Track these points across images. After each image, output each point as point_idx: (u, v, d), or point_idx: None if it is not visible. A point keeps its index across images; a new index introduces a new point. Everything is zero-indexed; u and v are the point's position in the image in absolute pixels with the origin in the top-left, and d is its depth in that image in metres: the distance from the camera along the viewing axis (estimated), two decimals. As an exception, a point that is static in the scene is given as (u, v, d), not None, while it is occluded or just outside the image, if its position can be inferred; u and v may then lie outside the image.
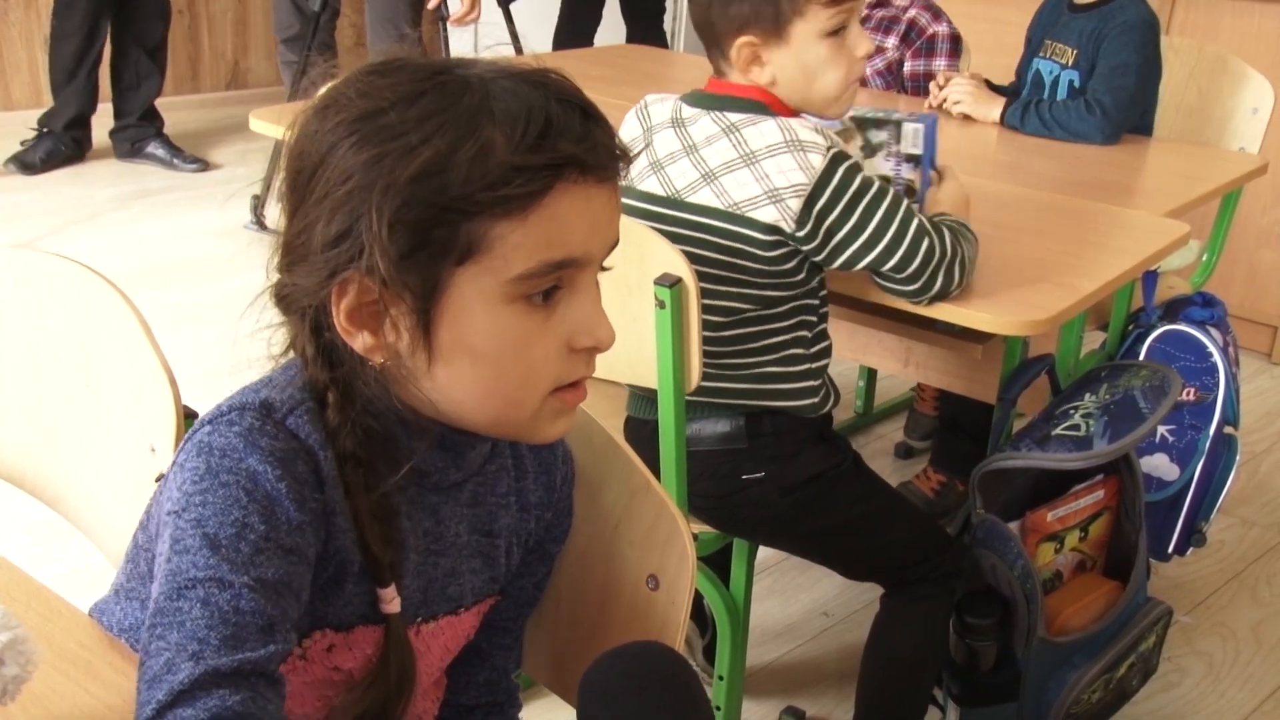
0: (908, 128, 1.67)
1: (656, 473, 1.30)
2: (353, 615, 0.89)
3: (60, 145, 4.36)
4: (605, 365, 0.90)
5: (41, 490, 1.23)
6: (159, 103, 4.54)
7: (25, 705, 0.81)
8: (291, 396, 0.85)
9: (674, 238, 1.48)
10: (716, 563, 1.77)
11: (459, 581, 0.97)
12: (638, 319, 1.46)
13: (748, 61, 1.52)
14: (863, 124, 1.69)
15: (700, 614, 1.97)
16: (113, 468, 1.16)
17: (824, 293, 1.61)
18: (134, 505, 0.94)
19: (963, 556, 1.68)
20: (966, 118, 2.49)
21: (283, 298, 0.86)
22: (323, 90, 0.86)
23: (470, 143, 0.79)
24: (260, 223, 3.89)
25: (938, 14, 2.67)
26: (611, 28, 4.39)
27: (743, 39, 1.51)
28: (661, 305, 1.44)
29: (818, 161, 1.45)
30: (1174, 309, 2.13)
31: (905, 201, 1.50)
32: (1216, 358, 2.04)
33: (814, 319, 1.59)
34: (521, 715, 1.13)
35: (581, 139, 0.82)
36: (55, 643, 0.90)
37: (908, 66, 2.69)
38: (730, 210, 1.50)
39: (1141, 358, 2.08)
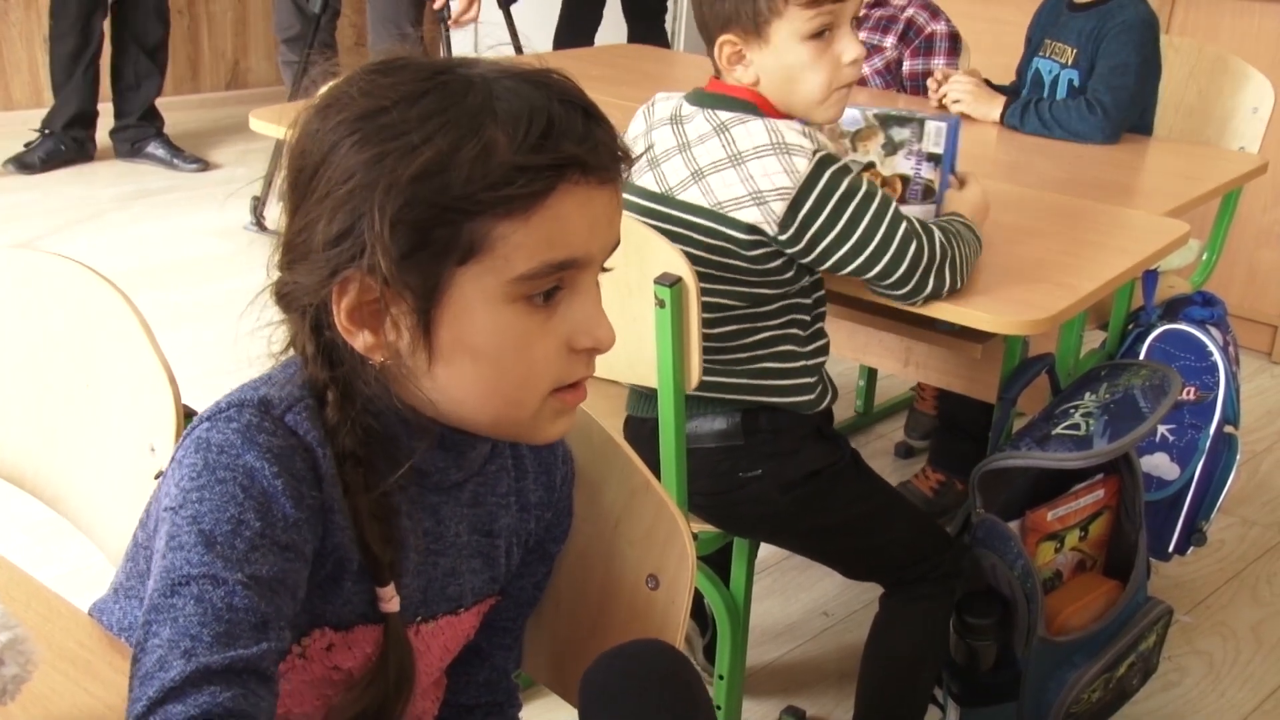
0: (930, 126, 1.66)
1: (656, 472, 1.30)
2: (352, 614, 0.89)
3: (60, 145, 4.36)
4: (605, 365, 0.90)
5: (41, 490, 1.23)
6: (159, 102, 4.54)
7: (25, 705, 0.81)
8: (290, 394, 0.85)
9: (666, 235, 1.48)
10: (716, 562, 1.77)
11: (459, 581, 0.97)
12: (638, 318, 1.46)
13: (731, 61, 1.52)
14: (886, 121, 1.68)
15: (700, 613, 1.97)
16: (113, 467, 1.16)
17: (819, 293, 1.61)
18: (134, 505, 0.94)
19: (962, 556, 1.68)
20: (966, 117, 2.49)
21: (283, 296, 0.86)
22: (323, 89, 0.86)
23: (473, 142, 0.79)
24: (260, 224, 3.89)
25: (936, 13, 2.67)
26: (612, 27, 4.39)
27: (724, 37, 1.51)
28: (661, 304, 1.44)
29: (802, 165, 1.45)
30: (1174, 308, 2.13)
31: (893, 204, 1.50)
32: (1216, 357, 2.04)
33: (806, 318, 1.59)
34: (521, 715, 1.13)
35: (583, 139, 0.82)
36: (55, 642, 0.90)
37: (906, 66, 2.69)
38: (714, 209, 1.50)
39: (1141, 357, 2.08)
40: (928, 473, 2.56)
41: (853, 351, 2.11)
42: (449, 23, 3.43)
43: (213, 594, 0.76)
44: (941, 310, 1.55)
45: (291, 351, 0.88)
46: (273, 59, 5.06)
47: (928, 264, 1.50)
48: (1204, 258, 2.55)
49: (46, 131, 4.36)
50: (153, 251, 3.75)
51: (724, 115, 1.50)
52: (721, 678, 1.77)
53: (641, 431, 1.63)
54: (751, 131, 1.47)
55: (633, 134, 1.61)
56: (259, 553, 0.78)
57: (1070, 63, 2.46)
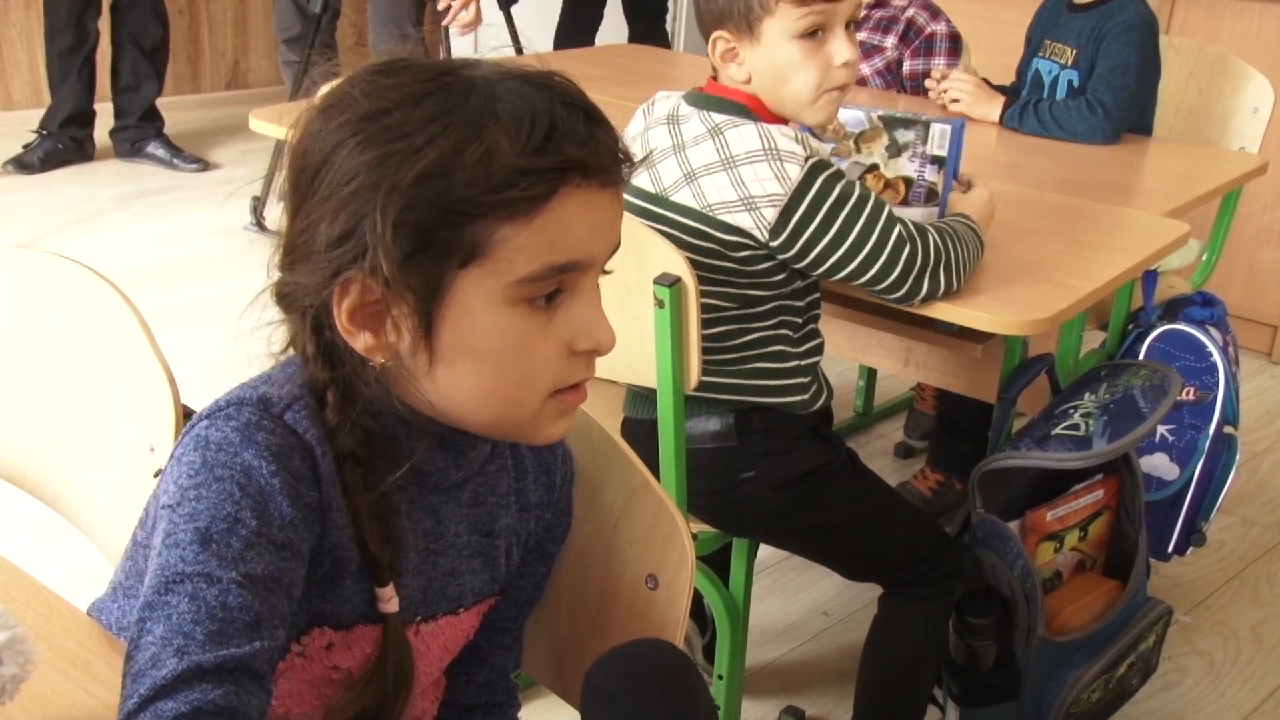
0: (935, 129, 1.66)
1: (655, 472, 1.30)
2: (351, 613, 0.89)
3: (58, 145, 4.36)
4: (605, 365, 0.90)
5: (41, 490, 1.23)
6: (159, 102, 4.54)
7: (24, 704, 0.81)
8: (290, 392, 0.85)
9: (661, 235, 1.48)
10: (716, 562, 1.77)
11: (458, 581, 0.97)
12: (637, 318, 1.46)
13: (724, 57, 1.52)
14: (890, 123, 1.68)
15: (700, 613, 1.97)
16: (112, 467, 1.16)
17: (813, 295, 1.61)
18: (133, 505, 0.94)
19: (962, 556, 1.68)
20: (964, 116, 2.48)
21: (284, 296, 0.86)
22: (324, 90, 0.86)
23: (475, 145, 0.79)
24: (260, 224, 3.89)
25: (936, 13, 2.67)
26: (613, 27, 4.38)
27: (717, 33, 1.51)
28: (660, 305, 1.44)
29: (794, 172, 1.45)
30: (1174, 308, 2.13)
31: (887, 208, 1.50)
32: (1216, 357, 2.04)
33: (798, 319, 1.59)
34: (521, 715, 1.13)
35: (585, 142, 0.82)
36: (54, 642, 0.90)
37: (906, 66, 2.68)
38: (704, 211, 1.50)
39: (1141, 357, 2.08)
40: (926, 473, 2.56)
41: (852, 351, 2.11)
42: (445, 22, 3.43)
43: (207, 592, 0.76)
44: (941, 310, 1.55)
45: (291, 351, 0.88)
46: (273, 59, 5.06)
47: (921, 267, 1.50)
48: (1204, 258, 2.55)
49: (44, 132, 4.36)
50: (153, 251, 3.75)
51: (718, 118, 1.50)
52: (721, 678, 1.77)
53: (639, 432, 1.63)
54: (744, 136, 1.47)
55: (631, 133, 1.61)
56: (254, 551, 0.78)
57: (1070, 63, 2.46)
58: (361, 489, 0.85)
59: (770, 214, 1.46)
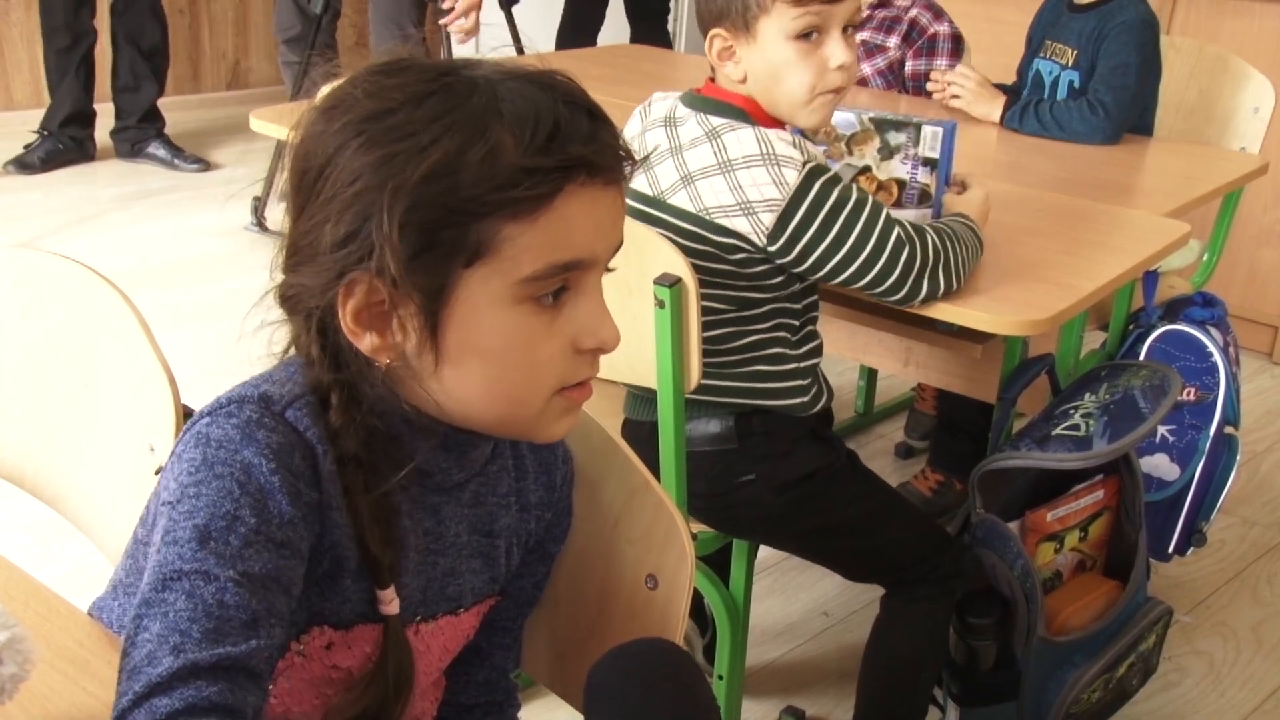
0: (927, 131, 1.66)
1: (655, 473, 1.30)
2: (351, 613, 0.89)
3: (59, 145, 4.36)
4: (605, 365, 0.90)
5: (41, 490, 1.23)
6: (160, 102, 4.54)
7: (23, 704, 0.81)
8: (291, 390, 0.85)
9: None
10: (716, 562, 1.77)
11: (459, 582, 0.97)
12: (637, 319, 1.46)
13: (721, 56, 1.52)
14: (882, 125, 1.68)
15: (700, 613, 1.97)
16: (112, 467, 1.16)
17: (810, 298, 1.60)
18: (133, 504, 0.94)
19: (963, 557, 1.68)
20: (963, 114, 2.49)
21: (288, 298, 0.86)
22: (325, 90, 0.86)
23: (480, 144, 0.79)
24: (261, 224, 3.89)
25: (939, 13, 2.67)
26: (615, 27, 4.38)
27: (715, 31, 1.51)
28: (661, 305, 1.44)
29: (792, 177, 1.44)
30: (1174, 309, 2.13)
31: (884, 211, 1.50)
32: (1217, 357, 2.04)
33: (795, 322, 1.58)
34: (521, 715, 1.13)
35: (589, 140, 0.82)
36: (53, 641, 0.90)
37: (909, 66, 2.69)
38: (700, 215, 1.50)
39: (1142, 357, 2.08)
40: (926, 473, 2.56)
41: (853, 352, 2.11)
42: (444, 22, 3.43)
43: (204, 590, 0.76)
44: (941, 311, 1.55)
45: (293, 351, 0.88)
46: (273, 59, 5.06)
47: (920, 268, 1.50)
48: (1204, 258, 2.55)
49: (45, 132, 4.36)
50: (153, 251, 3.75)
51: (716, 121, 1.50)
52: (721, 678, 1.77)
53: (639, 434, 1.63)
54: (742, 140, 1.46)
55: (628, 135, 1.61)
56: (253, 549, 0.78)
57: (1070, 64, 2.46)
58: (363, 491, 0.85)
59: (768, 219, 1.46)
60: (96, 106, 4.45)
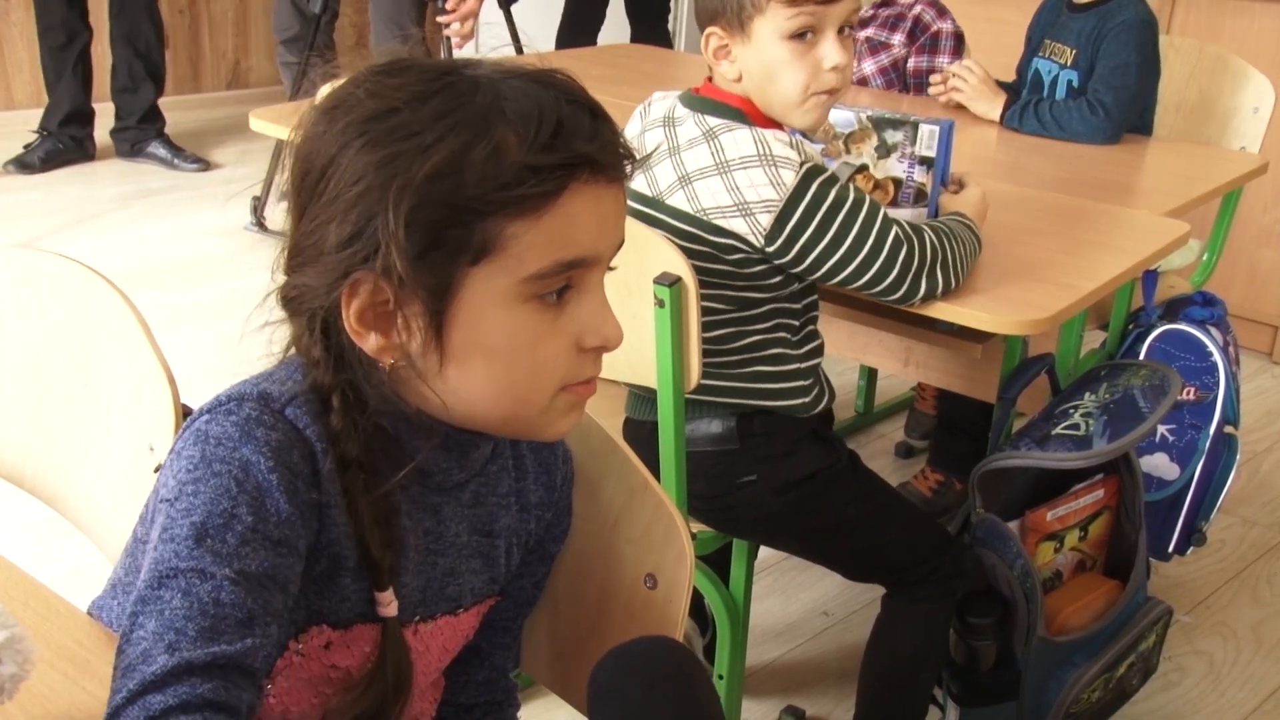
0: (924, 129, 1.66)
1: (655, 473, 1.30)
2: (350, 612, 0.89)
3: (59, 144, 4.36)
4: (605, 364, 0.90)
5: (41, 490, 1.23)
6: (160, 102, 4.54)
7: (23, 703, 0.81)
8: (291, 389, 0.85)
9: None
10: (716, 562, 1.77)
11: (458, 581, 0.97)
12: (637, 318, 1.46)
13: (716, 55, 1.52)
14: (879, 124, 1.68)
15: (700, 613, 1.97)
16: (112, 467, 1.16)
17: (810, 298, 1.60)
18: (133, 504, 0.94)
19: (964, 557, 1.68)
20: (962, 109, 2.48)
21: (290, 299, 0.86)
22: (324, 90, 0.86)
23: (484, 143, 0.79)
24: (261, 224, 3.89)
25: (943, 11, 2.68)
26: (615, 27, 4.38)
27: (710, 29, 1.51)
28: (661, 304, 1.44)
29: (789, 178, 1.44)
30: (1174, 308, 2.13)
31: (881, 211, 1.49)
32: (1217, 357, 2.04)
33: (795, 322, 1.58)
34: (520, 715, 1.13)
35: (593, 138, 0.83)
36: (53, 641, 0.90)
37: (911, 63, 2.69)
38: (697, 215, 1.50)
39: (1141, 357, 2.08)
40: (926, 473, 2.56)
41: (853, 351, 2.11)
42: (442, 19, 3.43)
43: (200, 588, 0.76)
44: (941, 310, 1.55)
45: (293, 351, 0.88)
46: (274, 59, 5.05)
47: (918, 267, 1.49)
48: (1204, 258, 2.55)
49: (45, 131, 4.36)
50: (153, 251, 3.75)
51: (713, 121, 1.50)
52: (721, 677, 1.77)
53: (640, 434, 1.63)
54: (739, 140, 1.46)
55: (629, 135, 1.61)
56: (250, 548, 0.78)
57: (1070, 63, 2.46)
58: (363, 491, 0.85)
59: (765, 220, 1.46)
60: (96, 106, 4.46)
